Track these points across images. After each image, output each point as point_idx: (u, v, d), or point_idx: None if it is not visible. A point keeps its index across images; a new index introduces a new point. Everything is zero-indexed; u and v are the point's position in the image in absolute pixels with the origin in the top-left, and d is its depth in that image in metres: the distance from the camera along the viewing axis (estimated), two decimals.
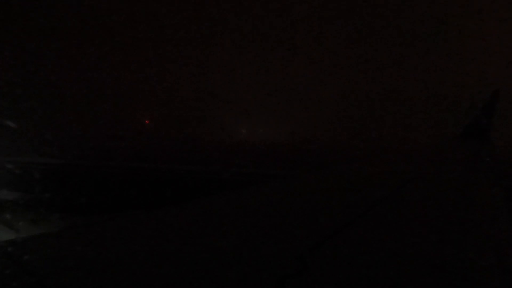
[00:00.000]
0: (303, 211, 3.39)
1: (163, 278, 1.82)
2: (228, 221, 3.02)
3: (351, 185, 5.21)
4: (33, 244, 2.40)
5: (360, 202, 3.86)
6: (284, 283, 1.75)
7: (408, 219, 3.22)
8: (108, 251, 2.22)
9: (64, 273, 1.88)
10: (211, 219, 3.07)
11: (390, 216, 3.27)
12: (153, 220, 3.01)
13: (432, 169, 7.18)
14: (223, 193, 4.15)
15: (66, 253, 2.17)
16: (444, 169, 7.18)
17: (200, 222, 2.99)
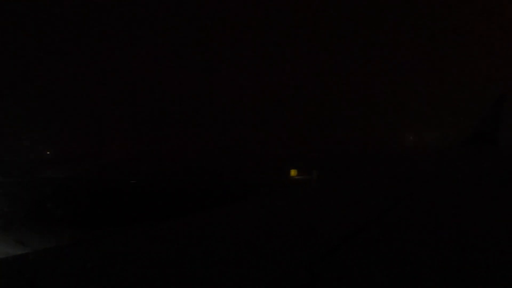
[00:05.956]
0: (310, 219, 3.38)
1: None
2: (233, 231, 3.02)
3: (359, 192, 5.20)
4: (43, 259, 2.42)
5: (369, 208, 3.85)
6: None
7: (418, 225, 3.20)
8: (118, 264, 2.23)
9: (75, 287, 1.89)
10: (217, 230, 3.08)
11: (399, 222, 3.25)
12: (161, 232, 3.02)
13: (439, 174, 7.14)
14: (227, 204, 4.16)
15: (76, 267, 2.19)
16: (451, 175, 7.13)
17: (206, 232, 2.99)
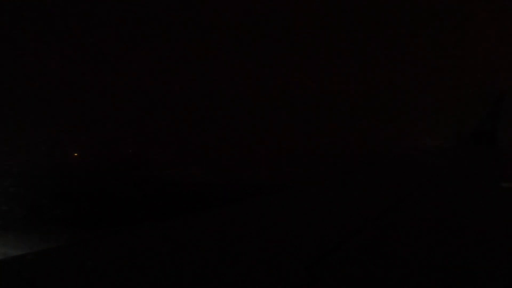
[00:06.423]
0: (309, 221, 3.38)
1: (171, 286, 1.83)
2: (233, 231, 3.02)
3: (359, 192, 5.19)
4: (43, 259, 2.41)
5: (369, 208, 3.85)
6: None
7: (417, 225, 3.20)
8: (116, 263, 2.23)
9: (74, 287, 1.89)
10: (217, 230, 3.08)
11: (399, 223, 3.25)
12: (161, 232, 3.02)
13: (439, 174, 7.14)
14: (228, 205, 4.16)
15: (76, 267, 2.19)
16: (451, 174, 7.14)
17: (206, 232, 2.99)
